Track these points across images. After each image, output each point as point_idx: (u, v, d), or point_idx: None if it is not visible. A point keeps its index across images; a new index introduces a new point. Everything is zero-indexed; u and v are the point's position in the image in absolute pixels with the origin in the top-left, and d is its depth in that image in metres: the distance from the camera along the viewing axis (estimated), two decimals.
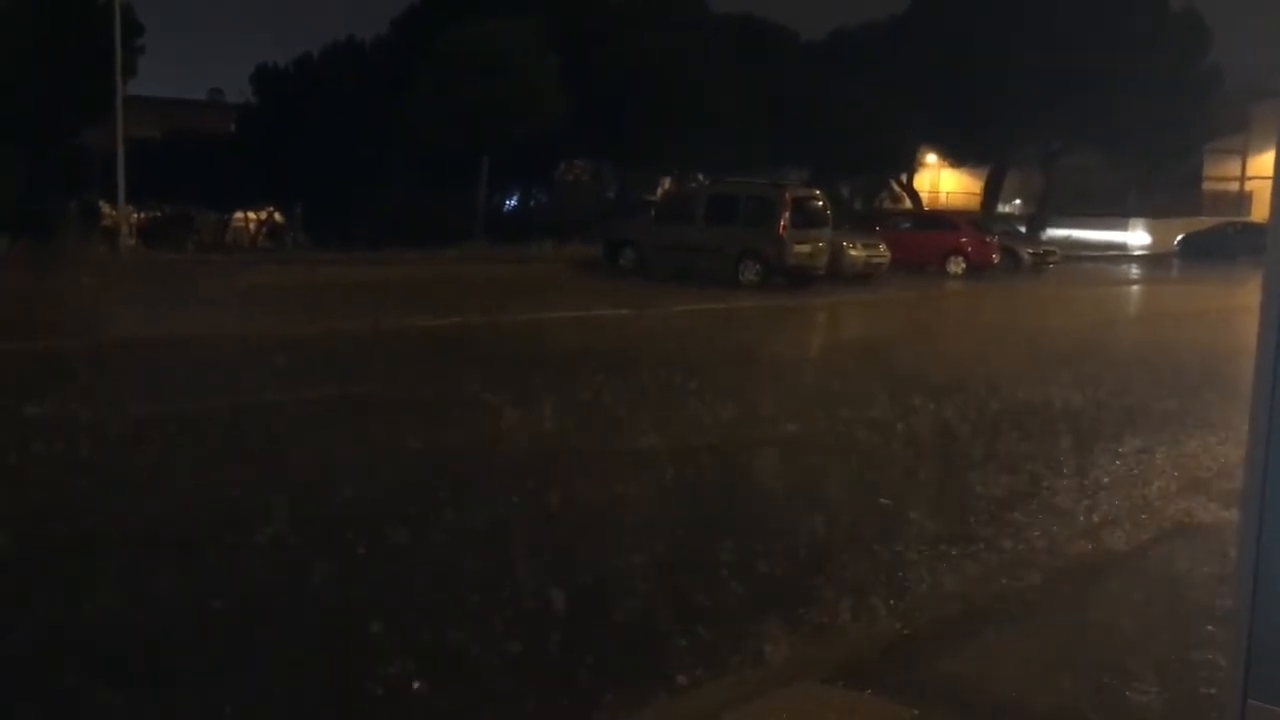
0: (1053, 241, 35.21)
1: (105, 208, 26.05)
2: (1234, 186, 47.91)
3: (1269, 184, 2.15)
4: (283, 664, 4.00)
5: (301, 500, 5.92)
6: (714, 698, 3.72)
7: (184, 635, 4.23)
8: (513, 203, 35.54)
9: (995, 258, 26.90)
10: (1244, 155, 47.04)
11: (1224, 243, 36.82)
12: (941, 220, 29.90)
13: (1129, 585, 4.88)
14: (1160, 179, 43.38)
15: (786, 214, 20.54)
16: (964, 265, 26.49)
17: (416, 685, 3.79)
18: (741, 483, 6.76)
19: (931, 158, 45.54)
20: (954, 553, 5.34)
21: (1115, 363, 12.82)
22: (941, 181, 51.11)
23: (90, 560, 5.00)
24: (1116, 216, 45.13)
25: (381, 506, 5.85)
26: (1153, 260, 38.94)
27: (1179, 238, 40.91)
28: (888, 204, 41.39)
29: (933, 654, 4.02)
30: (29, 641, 4.13)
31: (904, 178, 41.06)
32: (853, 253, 22.77)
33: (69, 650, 4.03)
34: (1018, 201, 47.19)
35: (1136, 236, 44.73)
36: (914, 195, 41.62)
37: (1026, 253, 29.36)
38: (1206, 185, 48.16)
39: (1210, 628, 4.17)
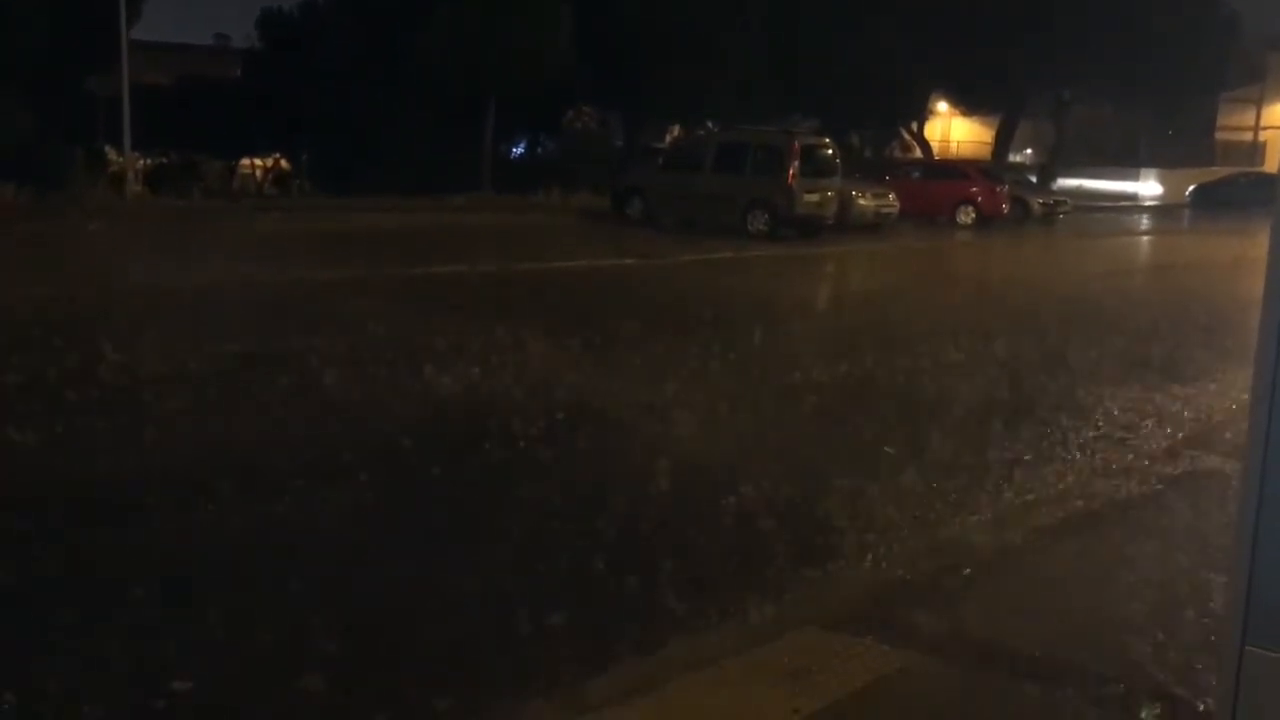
0: (1063, 191, 34.94)
1: (111, 154, 25.94)
2: (1248, 137, 47.47)
3: None
4: None
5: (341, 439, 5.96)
6: (718, 642, 3.77)
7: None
8: (520, 150, 35.31)
9: (1005, 207, 26.74)
10: (1259, 105, 46.56)
11: (1236, 193, 36.54)
12: (952, 170, 29.68)
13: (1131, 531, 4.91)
14: (1173, 129, 43.00)
15: (795, 163, 20.39)
16: (974, 215, 26.34)
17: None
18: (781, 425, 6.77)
19: (943, 106, 45.12)
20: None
21: (1125, 314, 12.78)
22: (952, 130, 50.68)
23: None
24: (1128, 167, 44.79)
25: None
26: (1164, 211, 38.68)
27: (1190, 188, 40.60)
28: (898, 153, 41.07)
29: (931, 601, 4.05)
30: None
31: (914, 126, 40.69)
32: (862, 202, 22.65)
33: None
34: (1029, 151, 46.80)
35: (1148, 187, 44.40)
36: (925, 144, 41.28)
37: (1037, 203, 29.17)
38: (1220, 135, 47.71)
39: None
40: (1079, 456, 6.26)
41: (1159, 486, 5.65)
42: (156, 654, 3.61)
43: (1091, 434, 6.74)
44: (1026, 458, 6.16)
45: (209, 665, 3.57)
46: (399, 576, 4.35)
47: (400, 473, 5.61)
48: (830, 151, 22.08)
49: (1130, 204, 41.33)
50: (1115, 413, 7.32)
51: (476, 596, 4.20)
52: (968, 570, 4.38)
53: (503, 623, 3.91)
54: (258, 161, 32.74)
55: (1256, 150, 46.09)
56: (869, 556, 4.63)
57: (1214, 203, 37.70)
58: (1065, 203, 30.95)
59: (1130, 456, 6.27)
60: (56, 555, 4.44)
